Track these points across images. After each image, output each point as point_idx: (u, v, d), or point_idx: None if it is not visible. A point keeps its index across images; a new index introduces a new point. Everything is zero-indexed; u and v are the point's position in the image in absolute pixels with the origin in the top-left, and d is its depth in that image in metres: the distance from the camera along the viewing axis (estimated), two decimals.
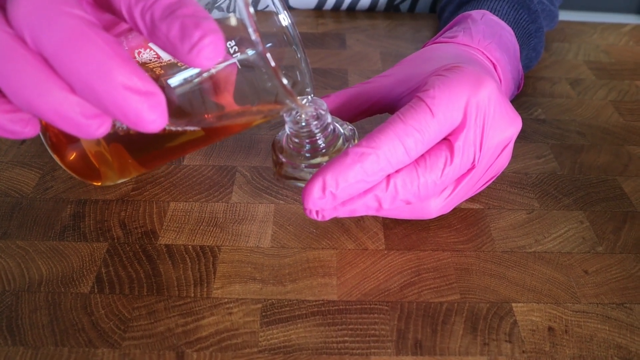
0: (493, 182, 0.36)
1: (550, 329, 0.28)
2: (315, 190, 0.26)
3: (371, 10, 0.61)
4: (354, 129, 0.32)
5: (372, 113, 0.34)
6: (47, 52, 0.20)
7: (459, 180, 0.30)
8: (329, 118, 0.30)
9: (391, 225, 0.33)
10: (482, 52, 0.35)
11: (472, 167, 0.29)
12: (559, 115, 0.44)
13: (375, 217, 0.34)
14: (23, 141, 0.39)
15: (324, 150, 0.30)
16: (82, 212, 0.33)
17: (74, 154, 0.30)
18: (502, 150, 0.31)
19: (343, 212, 0.28)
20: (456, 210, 0.34)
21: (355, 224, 0.33)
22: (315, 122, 0.29)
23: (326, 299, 0.29)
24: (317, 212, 0.28)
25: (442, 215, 0.34)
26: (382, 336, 0.27)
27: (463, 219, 0.34)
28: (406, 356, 0.26)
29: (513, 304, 0.29)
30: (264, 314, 0.28)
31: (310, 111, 0.29)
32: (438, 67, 0.31)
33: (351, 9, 0.61)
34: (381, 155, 0.26)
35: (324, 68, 0.49)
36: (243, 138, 0.40)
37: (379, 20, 0.58)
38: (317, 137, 0.30)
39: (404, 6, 0.63)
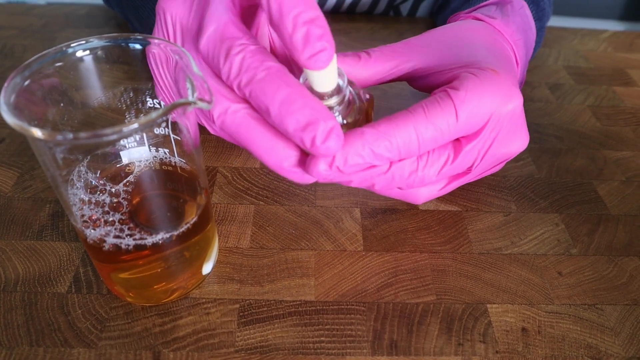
0: (471, 184, 0.37)
1: (523, 329, 0.28)
2: (322, 164, 0.26)
3: (370, 11, 0.62)
4: (371, 97, 0.30)
5: (395, 80, 0.33)
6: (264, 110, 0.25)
7: (452, 178, 0.31)
8: (347, 91, 0.28)
9: (370, 227, 0.33)
10: (512, 47, 0.35)
11: (468, 172, 0.31)
12: (537, 119, 0.45)
13: (354, 219, 0.34)
14: (2, 140, 0.39)
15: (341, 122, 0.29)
16: (61, 211, 0.33)
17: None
18: (499, 163, 0.32)
19: (337, 179, 0.28)
20: (434, 213, 0.35)
21: (334, 226, 0.33)
22: (335, 97, 0.28)
23: (303, 300, 0.29)
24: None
25: (421, 216, 0.34)
26: (358, 336, 0.27)
27: (441, 221, 0.34)
28: (381, 356, 0.27)
29: (488, 305, 0.29)
30: (241, 314, 0.28)
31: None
32: (474, 60, 0.30)
33: (351, 10, 0.61)
34: (394, 145, 0.26)
35: None
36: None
37: (361, 23, 0.59)
38: (334, 111, 0.28)
39: (405, 7, 0.63)
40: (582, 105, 0.47)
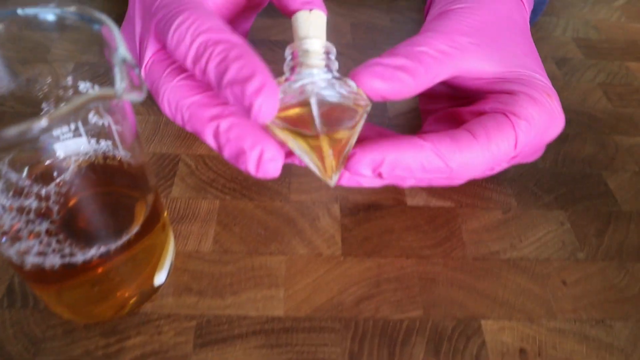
0: None
1: (522, 350, 0.25)
2: (364, 168, 0.25)
3: None
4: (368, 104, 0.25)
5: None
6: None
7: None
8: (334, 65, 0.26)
9: (350, 227, 0.29)
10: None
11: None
12: None
13: (332, 217, 0.30)
14: None
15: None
16: None
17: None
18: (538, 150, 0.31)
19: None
20: (424, 209, 0.31)
21: (309, 225, 0.29)
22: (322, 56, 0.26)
23: (271, 315, 0.25)
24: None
25: (409, 213, 0.30)
26: None
27: (432, 220, 0.30)
28: None
29: (482, 321, 0.26)
30: (198, 332, 0.24)
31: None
32: (525, 73, 0.28)
33: None
34: (450, 167, 0.25)
35: (288, 40, 0.44)
36: None
37: None
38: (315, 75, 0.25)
39: None
40: (592, 83, 0.42)
